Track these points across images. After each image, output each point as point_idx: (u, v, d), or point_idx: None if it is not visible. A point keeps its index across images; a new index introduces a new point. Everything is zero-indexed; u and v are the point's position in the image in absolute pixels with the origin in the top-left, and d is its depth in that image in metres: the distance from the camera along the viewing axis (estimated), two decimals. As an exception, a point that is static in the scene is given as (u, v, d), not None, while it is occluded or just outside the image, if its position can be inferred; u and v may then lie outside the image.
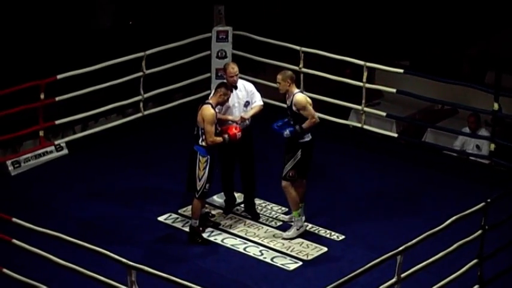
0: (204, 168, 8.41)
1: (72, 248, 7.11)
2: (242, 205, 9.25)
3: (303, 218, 8.79)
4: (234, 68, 8.80)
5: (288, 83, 8.49)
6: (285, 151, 8.60)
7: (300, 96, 8.45)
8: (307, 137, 8.53)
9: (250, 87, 8.93)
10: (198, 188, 8.43)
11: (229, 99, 8.71)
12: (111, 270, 6.97)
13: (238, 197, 9.31)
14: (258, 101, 8.90)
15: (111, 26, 12.41)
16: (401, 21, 13.21)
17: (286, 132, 8.50)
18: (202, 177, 8.41)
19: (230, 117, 8.71)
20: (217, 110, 8.52)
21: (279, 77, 8.54)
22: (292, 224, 8.75)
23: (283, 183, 8.58)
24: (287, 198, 8.64)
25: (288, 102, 8.57)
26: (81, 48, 11.69)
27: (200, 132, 8.41)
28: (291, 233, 8.71)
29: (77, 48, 11.66)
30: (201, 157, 8.40)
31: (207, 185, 8.45)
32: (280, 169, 8.61)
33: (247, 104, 8.83)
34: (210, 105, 8.40)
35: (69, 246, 7.11)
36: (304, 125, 8.44)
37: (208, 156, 8.40)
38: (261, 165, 9.33)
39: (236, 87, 8.81)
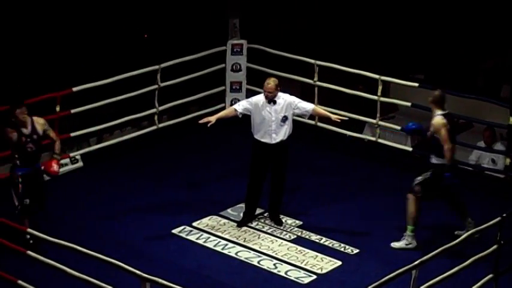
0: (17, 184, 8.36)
1: (86, 260, 7.12)
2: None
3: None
4: (269, 84, 8.82)
5: (434, 106, 8.49)
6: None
7: (437, 119, 8.43)
8: (442, 161, 8.46)
9: (290, 100, 8.91)
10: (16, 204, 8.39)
11: (265, 114, 8.78)
12: (124, 283, 6.97)
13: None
14: (309, 106, 8.93)
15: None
16: (416, 34, 13.20)
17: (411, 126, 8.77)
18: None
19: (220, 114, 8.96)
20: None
21: (430, 98, 8.55)
22: (403, 237, 8.70)
23: (408, 194, 8.61)
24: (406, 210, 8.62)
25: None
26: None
27: None
28: (398, 244, 8.67)
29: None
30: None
31: (25, 200, 8.37)
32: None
33: (284, 119, 8.84)
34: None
35: (82, 258, 7.13)
36: (446, 158, 8.40)
37: (19, 173, 8.34)
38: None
39: (275, 102, 8.83)
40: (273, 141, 8.87)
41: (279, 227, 9.15)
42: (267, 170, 9.04)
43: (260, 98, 8.91)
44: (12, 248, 7.53)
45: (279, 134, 8.86)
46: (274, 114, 8.83)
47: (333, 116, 8.99)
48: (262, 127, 8.86)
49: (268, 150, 8.90)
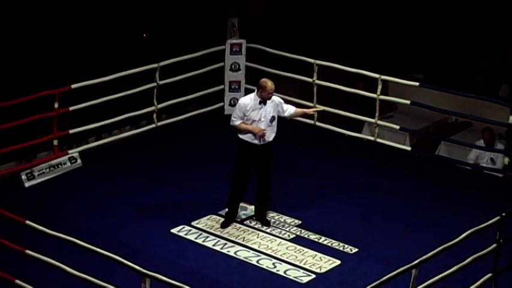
0: None
1: (84, 259, 7.11)
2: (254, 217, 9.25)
3: None
4: (270, 85, 8.70)
5: None
6: None
7: None
8: None
9: (277, 100, 8.89)
10: None
11: (255, 115, 8.70)
12: (123, 282, 6.97)
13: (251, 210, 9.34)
14: (292, 108, 8.95)
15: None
16: (415, 34, 13.20)
17: None
18: None
19: (250, 127, 8.70)
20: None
21: None
22: None
23: None
24: None
25: None
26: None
27: None
28: None
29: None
30: None
31: None
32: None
33: (273, 119, 8.79)
34: None
35: (80, 257, 7.11)
36: None
37: None
38: (274, 177, 9.30)
39: (265, 103, 8.77)
40: (261, 142, 8.79)
41: (266, 228, 9.09)
42: (251, 172, 8.93)
43: (247, 101, 8.77)
44: (9, 247, 7.52)
45: (267, 135, 8.78)
46: (263, 114, 8.74)
47: (308, 110, 9.01)
48: (253, 125, 8.75)
49: (255, 152, 8.79)
